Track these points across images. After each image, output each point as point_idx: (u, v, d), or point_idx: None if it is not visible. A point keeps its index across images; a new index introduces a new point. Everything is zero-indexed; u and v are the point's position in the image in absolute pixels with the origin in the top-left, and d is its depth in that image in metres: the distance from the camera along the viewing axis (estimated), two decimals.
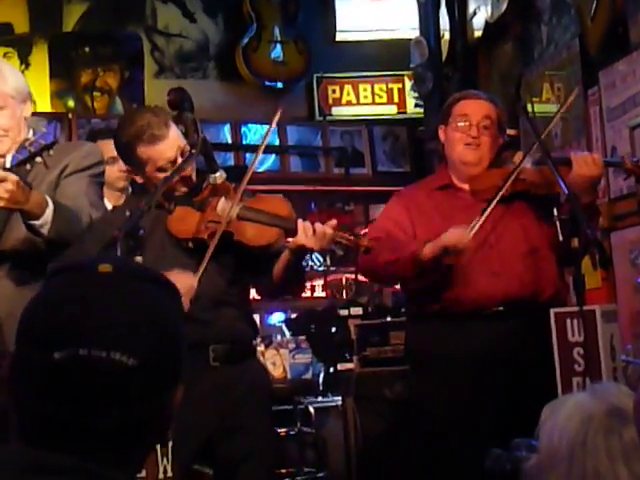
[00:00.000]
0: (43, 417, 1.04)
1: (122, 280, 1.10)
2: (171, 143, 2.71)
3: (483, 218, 2.95)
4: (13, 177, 2.47)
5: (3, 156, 2.73)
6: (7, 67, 2.89)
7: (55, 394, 1.03)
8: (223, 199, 2.74)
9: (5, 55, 5.91)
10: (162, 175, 2.72)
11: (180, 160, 2.72)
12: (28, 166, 2.55)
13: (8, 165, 2.53)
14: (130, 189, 3.76)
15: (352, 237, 2.70)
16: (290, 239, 2.72)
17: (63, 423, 1.04)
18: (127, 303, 1.08)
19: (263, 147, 2.97)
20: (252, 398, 2.75)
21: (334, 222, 2.70)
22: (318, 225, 2.65)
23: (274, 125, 2.90)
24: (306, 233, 2.63)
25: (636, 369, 1.24)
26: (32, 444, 1.05)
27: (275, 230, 2.71)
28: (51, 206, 2.60)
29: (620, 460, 1.34)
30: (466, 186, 3.16)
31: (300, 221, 2.67)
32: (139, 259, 2.43)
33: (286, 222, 2.72)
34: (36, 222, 2.59)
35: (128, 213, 2.57)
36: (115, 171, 3.79)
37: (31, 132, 2.82)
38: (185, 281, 2.57)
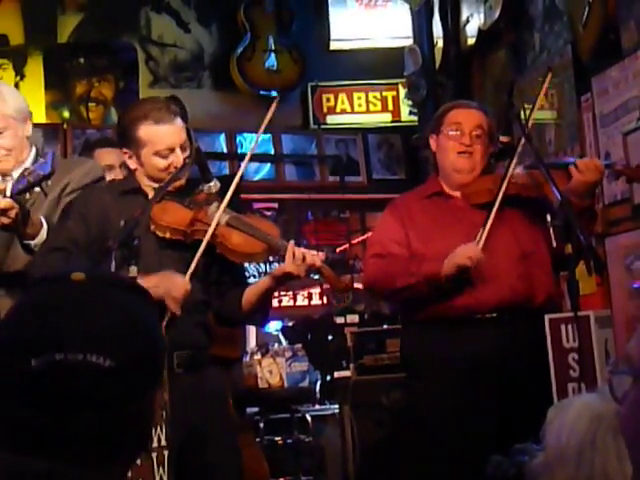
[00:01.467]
0: (24, 424, 1.05)
1: (95, 287, 1.12)
2: (175, 129, 2.72)
3: (487, 229, 2.96)
4: (17, 205, 2.57)
5: (8, 175, 2.80)
6: (6, 88, 2.97)
7: (35, 400, 1.05)
8: (215, 203, 2.74)
9: (0, 66, 5.93)
10: (157, 161, 2.72)
11: (178, 152, 2.72)
12: (27, 195, 2.67)
13: (9, 193, 2.60)
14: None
15: (334, 276, 2.75)
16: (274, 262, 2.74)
17: (44, 428, 1.05)
18: (101, 308, 1.10)
19: (255, 145, 2.96)
20: (217, 406, 2.75)
21: (323, 255, 2.72)
22: (308, 253, 2.65)
23: (270, 114, 2.88)
24: (295, 259, 2.63)
25: (622, 381, 1.23)
26: (15, 451, 1.05)
27: (261, 244, 2.72)
28: (45, 227, 2.69)
29: (629, 461, 1.34)
30: (457, 194, 3.17)
31: (291, 245, 2.66)
32: (133, 269, 2.44)
33: (273, 240, 2.72)
34: (31, 242, 2.68)
35: (122, 222, 2.57)
36: (111, 179, 3.81)
37: (33, 152, 2.90)
38: (180, 283, 2.59)
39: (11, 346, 1.07)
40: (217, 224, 2.68)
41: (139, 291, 1.18)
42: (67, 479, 1.04)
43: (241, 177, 2.82)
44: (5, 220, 2.57)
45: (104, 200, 2.75)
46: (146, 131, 2.70)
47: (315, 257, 2.66)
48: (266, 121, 2.85)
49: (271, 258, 3.26)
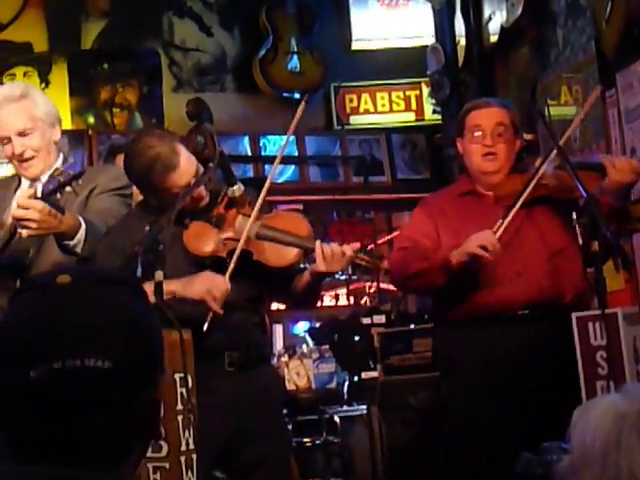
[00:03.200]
0: (31, 435, 1.05)
1: (82, 288, 1.10)
2: (183, 171, 2.69)
3: (506, 221, 2.95)
4: (37, 204, 2.53)
5: (36, 179, 2.81)
6: (37, 91, 3.01)
7: (38, 411, 1.04)
8: (241, 216, 2.73)
9: (25, 74, 5.99)
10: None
11: (193, 181, 2.72)
12: (58, 195, 2.63)
13: (39, 195, 2.59)
14: None
15: (372, 260, 2.69)
16: (310, 261, 2.73)
17: (50, 437, 1.05)
18: (91, 308, 1.08)
19: (285, 146, 2.94)
20: (267, 405, 2.77)
21: (357, 245, 2.69)
22: (336, 248, 2.64)
23: (299, 115, 2.86)
24: (325, 259, 2.63)
25: None
26: (23, 462, 1.05)
27: (295, 251, 2.72)
28: (84, 225, 2.67)
29: None
30: (490, 193, 3.17)
31: (318, 245, 2.65)
32: (160, 274, 2.45)
33: (306, 242, 2.71)
34: (70, 242, 2.66)
35: (147, 228, 2.58)
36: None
37: (60, 158, 2.92)
38: (220, 283, 2.60)
39: (6, 360, 1.06)
40: (248, 239, 2.68)
41: (126, 283, 1.15)
42: None
43: (264, 169, 2.81)
44: (32, 225, 2.53)
45: (139, 231, 2.67)
46: (158, 179, 2.68)
47: (344, 249, 2.64)
48: (295, 122, 2.84)
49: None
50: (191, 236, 2.73)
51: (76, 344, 1.05)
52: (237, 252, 2.66)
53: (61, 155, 2.96)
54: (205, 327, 2.57)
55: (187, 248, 2.72)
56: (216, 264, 2.71)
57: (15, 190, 2.96)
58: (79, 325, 1.06)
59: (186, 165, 2.70)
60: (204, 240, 2.73)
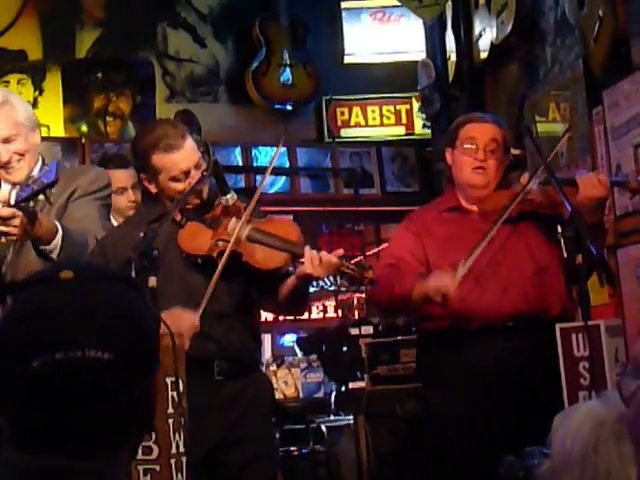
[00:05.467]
0: (32, 423, 1.10)
1: (84, 283, 1.15)
2: (186, 154, 2.79)
3: (482, 247, 2.98)
4: (20, 213, 2.55)
5: (18, 184, 2.83)
6: (15, 97, 3.03)
7: (40, 400, 1.08)
8: (234, 219, 2.79)
9: (19, 81, 6.02)
10: (175, 185, 2.79)
11: (194, 172, 2.78)
12: (31, 203, 2.67)
13: (12, 202, 2.64)
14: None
15: (357, 269, 2.73)
16: (297, 264, 2.77)
17: (52, 426, 1.09)
18: (92, 302, 1.13)
19: (271, 168, 3.03)
20: (255, 411, 2.80)
21: (341, 251, 2.74)
22: (324, 254, 2.68)
23: (280, 147, 2.96)
24: (312, 262, 2.67)
25: (629, 382, 1.28)
26: (26, 450, 1.10)
27: (283, 255, 2.76)
28: (60, 231, 2.70)
29: (631, 463, 1.38)
30: (474, 207, 3.20)
31: (307, 250, 2.70)
32: (153, 279, 2.48)
33: (295, 247, 2.76)
34: (46, 247, 2.69)
35: (142, 234, 2.62)
36: (124, 201, 3.86)
37: (39, 164, 2.94)
38: (187, 321, 2.61)
39: (10, 350, 1.10)
40: (238, 241, 2.73)
41: (125, 280, 1.21)
42: (81, 472, 1.09)
43: (255, 179, 2.88)
44: (10, 229, 2.56)
45: (133, 237, 2.70)
46: (158, 160, 2.78)
47: (331, 256, 2.68)
48: (279, 147, 2.98)
49: None
50: (185, 235, 2.79)
51: (78, 335, 1.09)
52: (227, 252, 2.71)
53: (40, 159, 2.97)
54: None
55: (180, 247, 2.78)
56: (207, 264, 2.76)
57: None
58: (81, 318, 1.11)
59: (189, 150, 2.79)
60: (197, 240, 2.78)
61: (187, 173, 2.78)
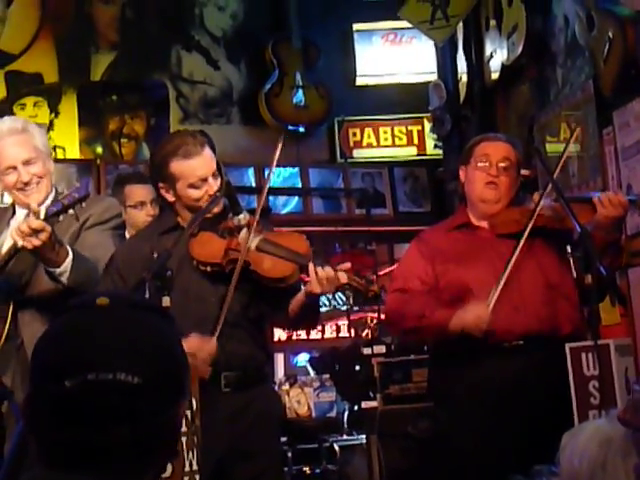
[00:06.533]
0: (61, 441, 1.13)
1: (119, 310, 1.20)
2: (204, 161, 2.82)
3: (504, 279, 3.00)
4: (49, 228, 2.66)
5: (41, 204, 2.90)
6: (33, 126, 3.14)
7: (70, 419, 1.13)
8: (245, 229, 2.82)
9: (35, 104, 6.09)
10: (192, 192, 2.82)
11: (211, 181, 2.82)
12: (61, 217, 2.75)
13: (42, 216, 2.70)
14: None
15: (363, 282, 2.75)
16: (306, 279, 2.80)
17: (80, 445, 1.13)
18: (126, 328, 1.18)
19: (274, 165, 3.03)
20: (263, 425, 2.80)
21: (348, 265, 2.75)
22: (329, 270, 2.69)
23: (280, 147, 2.98)
24: (318, 280, 2.69)
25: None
26: (53, 468, 1.14)
27: (291, 265, 2.78)
28: (71, 256, 2.78)
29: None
30: (484, 224, 3.23)
31: (311, 267, 2.71)
32: (166, 299, 2.51)
33: (302, 258, 2.78)
34: (56, 270, 2.77)
35: (156, 255, 2.66)
36: (142, 215, 3.92)
37: (53, 192, 3.03)
38: (205, 347, 2.64)
39: (45, 370, 1.15)
40: (248, 250, 2.76)
41: (158, 310, 1.27)
42: None
43: (268, 199, 2.90)
44: (36, 242, 2.65)
45: (143, 251, 2.81)
46: (177, 167, 2.81)
47: (333, 270, 2.69)
48: (275, 157, 2.95)
49: None
50: (197, 243, 2.82)
51: (109, 359, 1.14)
52: (239, 262, 2.73)
53: (54, 187, 3.07)
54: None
55: (192, 254, 2.80)
56: (217, 274, 2.79)
57: (9, 221, 3.06)
58: (114, 342, 1.16)
59: (207, 158, 2.83)
60: (208, 248, 2.81)
61: (205, 181, 2.82)
